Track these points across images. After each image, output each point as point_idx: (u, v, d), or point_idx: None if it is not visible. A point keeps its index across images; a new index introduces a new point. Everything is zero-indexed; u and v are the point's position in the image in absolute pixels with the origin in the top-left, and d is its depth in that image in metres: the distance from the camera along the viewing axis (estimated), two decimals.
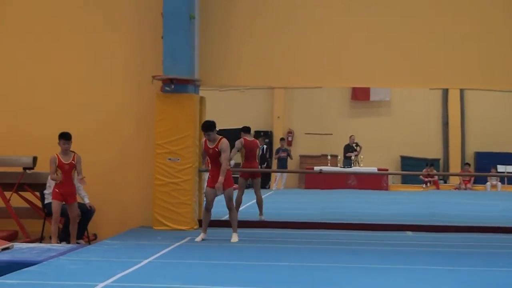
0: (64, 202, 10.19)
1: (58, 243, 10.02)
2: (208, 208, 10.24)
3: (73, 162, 10.20)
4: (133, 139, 11.86)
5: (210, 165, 10.24)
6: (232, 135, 12.97)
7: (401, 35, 12.02)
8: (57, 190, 10.14)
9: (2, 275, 7.25)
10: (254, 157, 12.61)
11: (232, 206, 10.35)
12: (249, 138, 12.66)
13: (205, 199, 10.51)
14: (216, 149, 10.11)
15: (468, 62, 11.95)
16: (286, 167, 22.87)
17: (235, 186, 11.40)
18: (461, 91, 25.11)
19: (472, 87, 16.72)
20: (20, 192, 11.32)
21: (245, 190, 12.58)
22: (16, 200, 11.26)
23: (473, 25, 11.95)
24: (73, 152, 10.28)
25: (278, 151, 23.21)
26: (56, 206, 10.14)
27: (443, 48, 11.95)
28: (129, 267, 7.75)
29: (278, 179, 23.18)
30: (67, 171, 10.17)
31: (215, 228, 11.23)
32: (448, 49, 11.93)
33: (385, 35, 12.04)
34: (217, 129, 10.37)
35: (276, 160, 23.32)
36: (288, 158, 22.98)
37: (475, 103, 25.36)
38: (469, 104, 25.71)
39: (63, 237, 10.49)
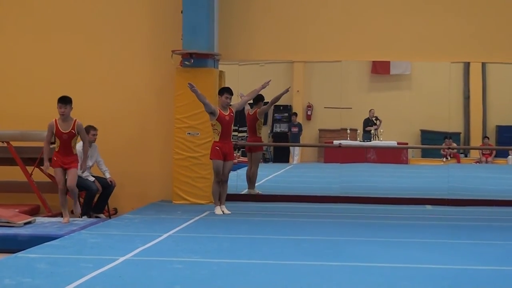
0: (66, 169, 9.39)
1: (72, 214, 9.87)
2: (225, 181, 10.31)
3: (73, 131, 9.28)
4: (153, 113, 11.91)
5: (220, 135, 10.19)
6: None
7: (422, 8, 11.90)
8: (55, 158, 9.37)
9: (24, 249, 7.34)
10: (253, 131, 12.55)
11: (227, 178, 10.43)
12: (251, 111, 12.58)
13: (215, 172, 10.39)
14: (232, 114, 10.19)
15: (490, 35, 11.82)
16: (298, 142, 22.83)
17: (242, 159, 11.42)
18: (483, 64, 24.85)
19: (494, 61, 16.52)
20: (41, 167, 11.42)
21: (265, 164, 12.61)
22: (38, 175, 11.36)
23: None
24: (74, 119, 9.35)
25: (290, 126, 23.12)
26: (58, 174, 9.37)
27: (464, 21, 11.82)
28: (149, 241, 7.82)
29: (293, 154, 23.14)
30: (66, 140, 9.28)
31: (233, 202, 11.30)
32: (470, 22, 11.80)
33: (405, 8, 11.93)
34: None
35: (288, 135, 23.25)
36: (301, 132, 22.92)
37: (497, 76, 25.10)
38: (490, 77, 25.45)
39: (85, 211, 10.59)
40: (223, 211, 10.24)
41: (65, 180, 9.42)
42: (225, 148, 10.16)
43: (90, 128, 10.73)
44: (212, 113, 10.14)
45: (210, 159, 10.37)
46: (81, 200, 10.85)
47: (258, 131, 12.54)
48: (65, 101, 9.30)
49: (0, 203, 10.72)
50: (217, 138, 10.20)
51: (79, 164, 9.56)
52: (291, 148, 23.07)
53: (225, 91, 10.32)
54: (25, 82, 12.09)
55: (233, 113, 10.26)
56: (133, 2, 12.01)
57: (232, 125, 10.42)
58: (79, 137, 9.52)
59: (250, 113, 12.54)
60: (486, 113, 25.45)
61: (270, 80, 11.04)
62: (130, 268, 6.47)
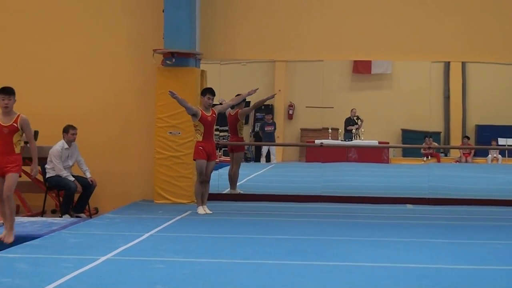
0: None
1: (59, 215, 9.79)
2: (207, 181, 10.31)
3: (15, 124, 8.09)
4: (134, 113, 11.87)
5: (202, 135, 10.20)
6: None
7: (403, 7, 11.97)
8: None
9: (4, 249, 7.30)
10: (234, 131, 12.56)
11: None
12: (232, 112, 12.60)
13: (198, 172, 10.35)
14: (214, 115, 10.26)
15: (470, 35, 11.91)
16: (273, 141, 22.77)
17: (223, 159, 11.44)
18: (463, 64, 24.99)
19: (474, 60, 16.67)
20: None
21: (247, 164, 12.61)
22: None
23: None
24: (18, 113, 8.21)
25: (263, 125, 23.06)
26: None
27: (445, 21, 11.90)
28: (130, 241, 7.79)
29: (267, 153, 23.03)
30: (6, 136, 8.05)
31: (215, 201, 11.30)
32: (450, 22, 11.89)
33: (387, 8, 11.99)
34: (218, 103, 10.41)
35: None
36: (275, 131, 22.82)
37: (477, 76, 25.26)
38: (470, 77, 25.61)
39: (63, 210, 10.53)
40: (205, 211, 10.24)
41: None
42: (208, 148, 10.17)
43: (69, 128, 10.69)
44: (194, 114, 10.16)
45: (194, 159, 10.36)
46: (61, 199, 10.82)
47: (240, 132, 12.57)
48: (8, 92, 8.22)
49: None
50: (200, 138, 10.20)
51: (32, 168, 8.39)
52: (264, 148, 23.02)
53: (208, 92, 10.33)
54: (5, 82, 11.96)
55: (215, 114, 10.33)
56: (114, 1, 11.95)
57: (214, 125, 10.43)
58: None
59: (231, 114, 12.55)
60: (466, 112, 25.60)
61: (258, 89, 11.17)
62: (111, 268, 6.44)
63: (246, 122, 19.57)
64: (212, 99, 10.30)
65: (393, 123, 25.08)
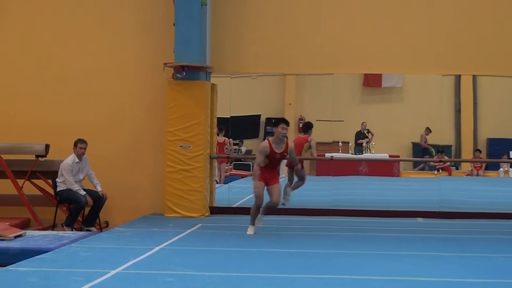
0: None
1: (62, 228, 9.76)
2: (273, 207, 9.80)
3: None
4: (145, 126, 11.90)
5: (266, 165, 9.45)
6: (243, 122, 12.93)
7: (413, 21, 11.97)
8: None
9: (14, 263, 7.30)
10: (299, 152, 12.48)
11: None
12: (302, 135, 12.88)
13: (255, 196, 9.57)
14: (285, 153, 9.49)
15: (480, 48, 11.88)
16: None
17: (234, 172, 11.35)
18: (474, 77, 24.98)
19: (485, 73, 16.62)
20: (32, 180, 11.39)
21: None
22: (28, 188, 11.32)
23: (486, 10, 11.89)
24: None
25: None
26: None
27: (456, 34, 11.89)
28: (140, 255, 7.79)
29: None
30: None
31: (226, 215, 11.29)
32: (461, 35, 11.87)
33: (397, 21, 11.99)
34: (228, 116, 10.33)
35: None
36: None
37: (487, 89, 25.23)
38: (481, 90, 25.58)
39: (68, 222, 10.52)
40: (258, 224, 9.65)
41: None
42: (265, 173, 9.45)
43: (78, 142, 10.72)
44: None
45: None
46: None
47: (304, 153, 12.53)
48: None
49: None
50: (262, 164, 9.47)
51: None
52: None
53: (282, 122, 9.47)
54: (15, 94, 12.07)
55: (286, 153, 9.49)
56: (125, 15, 12.03)
57: (280, 162, 9.73)
58: None
59: (301, 136, 12.77)
60: (477, 126, 25.55)
61: None
62: (121, 282, 6.44)
63: (257, 136, 19.61)
64: (286, 129, 9.37)
65: (404, 136, 25.05)
